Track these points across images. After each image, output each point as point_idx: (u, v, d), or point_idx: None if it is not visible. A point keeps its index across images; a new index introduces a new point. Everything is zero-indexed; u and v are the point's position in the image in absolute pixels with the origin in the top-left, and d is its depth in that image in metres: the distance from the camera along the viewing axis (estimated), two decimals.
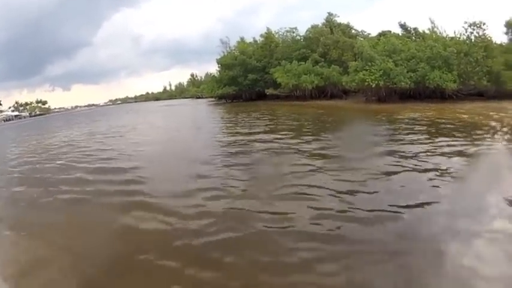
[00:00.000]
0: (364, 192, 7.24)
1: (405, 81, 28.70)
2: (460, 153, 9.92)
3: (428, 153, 10.12)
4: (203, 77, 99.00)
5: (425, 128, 15.39)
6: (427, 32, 36.32)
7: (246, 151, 12.53)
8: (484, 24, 28.98)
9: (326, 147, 12.09)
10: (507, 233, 5.14)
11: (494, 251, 4.74)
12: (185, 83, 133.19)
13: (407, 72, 29.17)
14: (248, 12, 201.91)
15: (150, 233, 6.19)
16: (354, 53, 35.89)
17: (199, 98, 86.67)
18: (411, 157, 9.80)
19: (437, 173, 8.14)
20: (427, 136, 12.99)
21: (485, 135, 12.38)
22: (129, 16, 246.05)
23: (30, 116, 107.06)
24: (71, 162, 13.91)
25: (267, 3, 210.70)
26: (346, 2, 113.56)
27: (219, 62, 56.47)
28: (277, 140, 14.20)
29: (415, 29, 40.25)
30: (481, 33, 29.04)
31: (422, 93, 29.70)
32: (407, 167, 8.83)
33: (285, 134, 15.82)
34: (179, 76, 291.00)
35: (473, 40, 29.06)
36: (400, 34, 39.33)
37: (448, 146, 10.97)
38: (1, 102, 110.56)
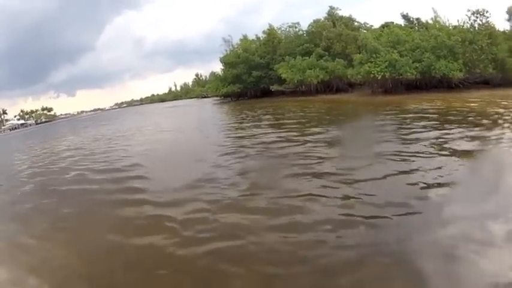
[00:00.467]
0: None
1: (411, 72, 28.64)
2: (482, 142, 9.82)
3: (451, 143, 10.00)
4: (208, 77, 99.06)
5: (438, 117, 15.17)
6: (429, 22, 36.19)
7: (253, 153, 12.07)
8: (487, 11, 28.94)
9: (342, 145, 11.76)
10: None
11: None
12: (190, 83, 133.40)
13: (413, 62, 29.09)
14: (250, 12, 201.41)
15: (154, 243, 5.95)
16: (358, 46, 35.71)
17: (204, 97, 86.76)
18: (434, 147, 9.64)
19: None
20: (445, 126, 12.65)
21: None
22: (131, 19, 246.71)
23: (36, 124, 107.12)
24: (73, 165, 14.08)
25: (268, 2, 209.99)
26: None
27: (222, 60, 56.54)
28: (285, 140, 13.56)
29: (417, 19, 40.02)
30: (484, 21, 28.95)
31: (428, 84, 29.63)
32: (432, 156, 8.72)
33: (293, 132, 15.40)
34: (183, 77, 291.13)
35: (477, 28, 28.93)
36: (403, 25, 39.12)
37: (468, 136, 10.80)
38: (6, 111, 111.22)
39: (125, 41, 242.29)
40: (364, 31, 40.42)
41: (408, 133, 12.00)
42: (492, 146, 9.44)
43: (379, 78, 29.67)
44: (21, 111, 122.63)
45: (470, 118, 14.20)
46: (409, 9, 55.82)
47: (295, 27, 50.69)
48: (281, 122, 20.27)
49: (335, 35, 41.47)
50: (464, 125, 12.52)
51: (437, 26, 33.47)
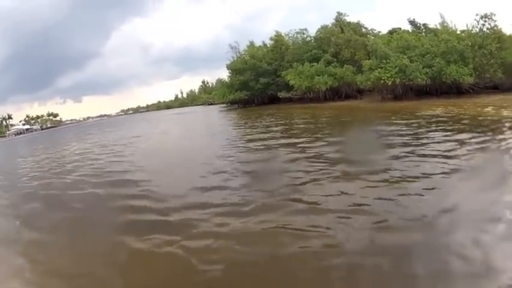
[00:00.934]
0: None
1: (421, 77, 28.41)
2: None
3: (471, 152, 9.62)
4: (214, 84, 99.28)
5: (455, 125, 14.58)
6: (436, 27, 36.01)
7: (262, 163, 11.78)
8: (494, 15, 28.68)
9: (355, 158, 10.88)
10: None
11: None
12: (196, 90, 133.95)
13: (423, 68, 28.85)
14: (254, 18, 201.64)
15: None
16: (367, 52, 35.59)
17: (211, 104, 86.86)
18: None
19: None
20: (463, 134, 12.22)
21: None
22: (137, 26, 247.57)
23: (42, 129, 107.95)
24: (74, 172, 13.97)
25: (273, 7, 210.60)
26: (352, 2, 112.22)
27: (229, 67, 56.57)
28: (295, 150, 12.88)
29: (424, 24, 40.05)
30: (492, 25, 28.68)
31: (438, 89, 29.30)
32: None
33: (306, 142, 14.49)
34: (190, 83, 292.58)
35: (485, 32, 28.63)
36: (410, 31, 38.98)
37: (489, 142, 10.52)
38: (12, 116, 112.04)
39: (131, 47, 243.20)
40: (372, 37, 40.28)
41: (429, 143, 11.26)
42: None
43: (389, 84, 29.39)
44: (27, 116, 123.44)
45: (491, 125, 13.70)
46: (415, 15, 55.96)
47: (303, 33, 50.91)
48: (291, 131, 19.89)
49: (344, 41, 41.32)
50: (487, 132, 12.09)
51: (446, 30, 33.23)
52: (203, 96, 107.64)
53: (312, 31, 49.70)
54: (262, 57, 52.24)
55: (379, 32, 44.76)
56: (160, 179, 10.87)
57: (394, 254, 4.76)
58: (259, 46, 56.11)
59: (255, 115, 34.74)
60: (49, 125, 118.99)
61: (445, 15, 35.54)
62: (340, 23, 45.55)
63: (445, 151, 9.77)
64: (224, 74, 63.70)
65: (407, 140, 12.17)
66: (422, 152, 10.04)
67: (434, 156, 9.33)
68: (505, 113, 16.59)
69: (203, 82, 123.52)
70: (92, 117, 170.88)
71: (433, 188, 6.94)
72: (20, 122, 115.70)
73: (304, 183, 8.34)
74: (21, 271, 5.75)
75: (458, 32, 31.87)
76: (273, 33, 53.53)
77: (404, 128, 15.15)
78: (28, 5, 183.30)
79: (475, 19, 29.25)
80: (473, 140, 10.93)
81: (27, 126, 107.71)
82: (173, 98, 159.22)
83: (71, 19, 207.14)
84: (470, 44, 28.04)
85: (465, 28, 30.97)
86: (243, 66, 52.48)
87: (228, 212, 7.00)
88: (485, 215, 5.53)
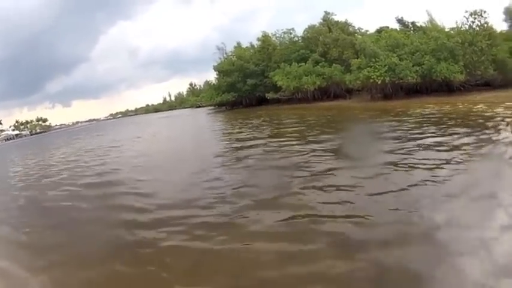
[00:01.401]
0: None
1: (411, 76, 27.71)
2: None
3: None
4: (202, 86, 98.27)
5: (447, 123, 13.88)
6: (425, 25, 35.51)
7: (247, 165, 11.01)
8: (484, 12, 28.20)
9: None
10: None
11: None
12: (185, 93, 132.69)
13: (413, 66, 28.14)
14: (243, 19, 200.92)
15: None
16: (356, 51, 34.81)
17: (198, 107, 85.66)
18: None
19: None
20: (455, 132, 11.52)
21: None
22: (125, 29, 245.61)
23: (31, 134, 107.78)
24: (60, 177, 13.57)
25: (261, 9, 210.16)
26: (340, 1, 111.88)
27: (216, 68, 55.43)
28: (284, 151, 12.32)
29: (413, 23, 39.55)
30: (482, 22, 28.18)
31: (429, 87, 28.74)
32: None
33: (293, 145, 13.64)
34: (179, 86, 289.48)
35: (475, 29, 28.10)
36: (398, 29, 38.44)
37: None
38: (1, 122, 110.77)
39: (120, 51, 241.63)
40: (360, 36, 39.59)
41: (421, 144, 10.47)
42: None
43: (379, 82, 28.69)
44: (16, 121, 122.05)
45: (485, 122, 12.97)
46: (403, 14, 55.59)
47: (290, 33, 50.26)
48: (280, 131, 19.12)
49: (331, 40, 40.56)
50: (479, 129, 11.40)
51: (435, 28, 32.66)
52: (191, 99, 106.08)
53: (300, 31, 49.10)
54: (249, 58, 51.28)
55: (367, 31, 44.24)
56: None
57: None
58: (246, 47, 55.23)
59: (242, 117, 33.92)
60: (38, 130, 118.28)
61: (432, 13, 35.16)
62: (328, 23, 44.79)
63: (437, 152, 9.16)
64: (212, 76, 62.64)
65: (398, 140, 11.39)
66: (413, 156, 9.11)
67: (426, 162, 8.41)
68: (497, 109, 15.91)
69: (191, 84, 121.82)
70: (81, 122, 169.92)
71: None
72: (10, 127, 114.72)
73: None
74: None
75: (447, 30, 31.31)
76: (260, 34, 52.62)
77: (395, 128, 14.36)
78: (17, 11, 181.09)
79: (465, 16, 28.73)
80: (465, 139, 10.29)
81: (17, 132, 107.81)
82: (161, 101, 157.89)
83: (60, 24, 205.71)
84: (460, 41, 27.43)
85: (454, 26, 30.45)
86: (230, 68, 51.55)
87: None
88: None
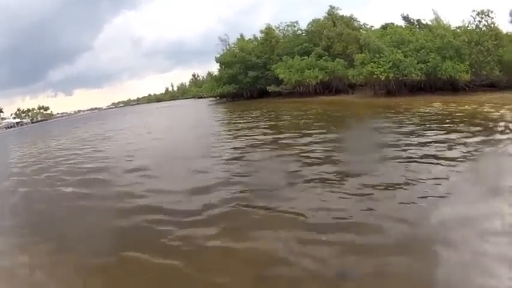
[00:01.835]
0: None
1: (416, 73, 27.08)
2: None
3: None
4: (205, 77, 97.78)
5: (453, 123, 13.41)
6: (430, 23, 34.73)
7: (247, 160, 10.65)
8: (492, 12, 27.63)
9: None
10: None
11: None
12: (187, 84, 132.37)
13: (418, 63, 27.52)
14: (247, 12, 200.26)
15: None
16: (360, 46, 34.17)
17: (200, 98, 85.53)
18: None
19: None
20: (461, 133, 10.99)
21: None
22: (129, 18, 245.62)
23: (32, 123, 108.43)
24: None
25: (266, 2, 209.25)
26: None
27: (218, 60, 54.90)
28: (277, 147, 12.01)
29: (418, 20, 38.72)
30: (489, 22, 27.59)
31: (433, 85, 28.08)
32: None
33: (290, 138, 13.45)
34: (182, 77, 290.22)
35: (483, 29, 27.51)
36: (404, 26, 37.67)
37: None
38: (2, 110, 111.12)
39: (123, 40, 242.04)
40: (364, 31, 38.88)
41: (423, 144, 10.01)
42: None
43: (382, 79, 28.07)
44: (18, 109, 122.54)
45: (491, 124, 12.54)
46: (408, 11, 54.70)
47: (294, 26, 49.47)
48: (278, 124, 18.87)
49: (336, 35, 39.91)
50: (487, 131, 11.00)
51: (441, 26, 31.91)
52: (193, 90, 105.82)
53: (304, 25, 48.38)
54: (251, 50, 50.69)
55: (372, 26, 43.23)
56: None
57: None
58: (249, 39, 54.64)
59: (242, 109, 33.73)
60: (39, 118, 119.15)
61: (438, 12, 34.29)
62: (333, 17, 44.02)
63: (440, 152, 8.78)
64: (215, 68, 62.11)
65: (400, 138, 11.03)
66: (414, 153, 8.82)
67: (428, 159, 8.19)
68: (502, 111, 15.43)
69: (193, 75, 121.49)
70: (83, 111, 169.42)
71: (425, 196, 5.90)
72: (11, 115, 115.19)
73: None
74: None
75: (453, 28, 30.62)
76: (264, 27, 51.87)
77: (398, 125, 13.93)
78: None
79: (471, 15, 28.11)
80: (471, 140, 9.78)
81: (18, 120, 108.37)
82: (164, 91, 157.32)
83: (63, 12, 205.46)
84: (466, 40, 26.80)
85: (460, 24, 29.71)
86: (232, 59, 51.06)
87: None
88: None
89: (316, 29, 43.90)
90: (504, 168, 7.31)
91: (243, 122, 21.10)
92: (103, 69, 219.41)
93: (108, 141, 20.35)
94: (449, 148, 9.09)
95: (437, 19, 33.93)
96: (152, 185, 8.68)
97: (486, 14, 27.53)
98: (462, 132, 11.16)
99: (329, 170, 8.08)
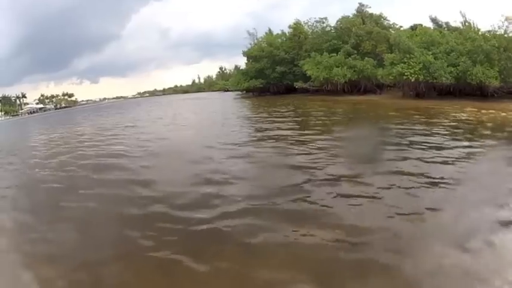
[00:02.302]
0: None
1: (446, 77, 27.12)
2: None
3: None
4: (232, 70, 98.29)
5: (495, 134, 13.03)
6: (460, 25, 34.39)
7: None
8: None
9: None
10: None
11: None
12: (214, 76, 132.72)
13: (447, 66, 27.57)
14: (277, 7, 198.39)
15: None
16: (389, 45, 34.20)
17: (226, 91, 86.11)
18: None
19: None
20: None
21: None
22: (157, 9, 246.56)
23: (56, 109, 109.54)
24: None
25: None
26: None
27: (245, 54, 55.41)
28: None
29: (446, 23, 38.41)
30: None
31: (462, 90, 28.12)
32: None
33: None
34: (208, 69, 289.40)
35: (511, 35, 27.41)
36: (432, 28, 37.45)
37: None
38: (26, 95, 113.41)
39: (150, 31, 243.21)
40: (393, 31, 38.83)
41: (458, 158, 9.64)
42: None
43: (412, 80, 28.24)
44: (42, 95, 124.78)
45: None
46: (435, 13, 53.87)
47: (323, 23, 49.18)
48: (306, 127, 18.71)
49: (365, 33, 39.83)
50: None
51: (470, 29, 31.61)
52: (220, 83, 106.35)
53: (333, 22, 48.01)
54: (279, 45, 51.06)
55: (401, 26, 42.82)
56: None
57: None
58: (277, 34, 54.71)
59: (270, 104, 34.51)
60: (63, 105, 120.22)
61: (466, 15, 33.89)
62: (362, 14, 43.90)
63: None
64: (242, 61, 62.42)
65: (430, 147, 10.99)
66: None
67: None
68: None
69: (221, 68, 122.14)
70: (108, 99, 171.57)
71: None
72: (34, 100, 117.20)
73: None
74: None
75: (483, 32, 30.31)
76: (292, 22, 51.97)
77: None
78: None
79: (500, 20, 27.95)
80: None
81: (41, 106, 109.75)
82: (190, 83, 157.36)
83: (91, 2, 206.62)
84: (496, 45, 26.59)
85: (489, 29, 29.46)
86: (260, 54, 51.37)
87: None
88: None
89: (345, 26, 43.71)
90: None
91: (275, 121, 20.84)
92: (130, 58, 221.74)
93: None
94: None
95: (465, 22, 33.68)
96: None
97: None
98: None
99: None
